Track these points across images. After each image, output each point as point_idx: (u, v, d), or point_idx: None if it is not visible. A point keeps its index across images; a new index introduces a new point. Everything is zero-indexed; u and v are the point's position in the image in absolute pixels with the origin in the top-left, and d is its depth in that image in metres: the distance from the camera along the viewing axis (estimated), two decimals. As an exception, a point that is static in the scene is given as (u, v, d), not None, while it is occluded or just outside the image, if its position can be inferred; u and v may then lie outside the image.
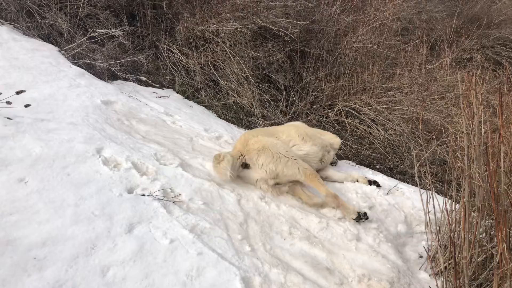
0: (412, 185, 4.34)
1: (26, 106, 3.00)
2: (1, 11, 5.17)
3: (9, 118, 2.95)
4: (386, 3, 6.59)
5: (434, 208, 2.73)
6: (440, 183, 3.83)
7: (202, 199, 2.88)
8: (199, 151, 3.72)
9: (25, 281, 1.87)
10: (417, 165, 2.86)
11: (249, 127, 5.47)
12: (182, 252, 2.33)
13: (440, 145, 3.43)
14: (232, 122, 5.44)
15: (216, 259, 2.34)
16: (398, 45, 6.73)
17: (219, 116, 5.47)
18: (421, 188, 3.13)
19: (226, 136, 4.28)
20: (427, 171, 2.75)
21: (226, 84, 5.78)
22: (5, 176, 2.44)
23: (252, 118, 5.66)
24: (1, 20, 4.94)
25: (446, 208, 2.56)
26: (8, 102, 2.87)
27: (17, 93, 2.93)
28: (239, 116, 5.68)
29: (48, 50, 4.72)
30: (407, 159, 5.01)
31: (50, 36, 5.38)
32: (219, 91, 5.87)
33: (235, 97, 5.74)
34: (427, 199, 2.74)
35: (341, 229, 2.99)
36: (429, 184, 2.71)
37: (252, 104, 5.65)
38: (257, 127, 5.48)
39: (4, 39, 4.37)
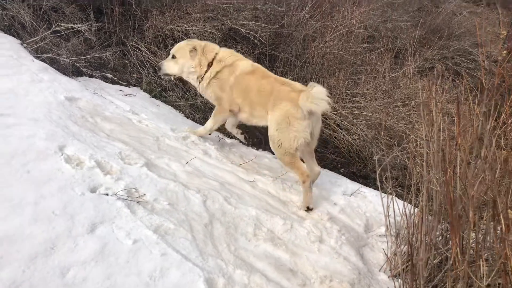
0: (374, 189, 4.47)
1: (-15, 100, 2.89)
2: (-41, 0, 4.95)
3: (-35, 112, 2.84)
4: (353, 11, 6.75)
5: (394, 212, 2.83)
6: (400, 188, 3.96)
7: (167, 200, 2.86)
8: (165, 151, 3.68)
9: (-21, 282, 1.81)
10: (379, 169, 2.95)
11: (218, 129, 5.46)
12: (145, 253, 2.31)
13: (401, 151, 3.55)
14: (200, 123, 5.41)
15: (180, 260, 2.34)
16: (363, 52, 6.91)
17: (186, 116, 5.43)
18: (382, 192, 3.24)
19: (193, 136, 4.26)
20: (388, 176, 2.84)
21: (194, 84, 5.74)
22: (-40, 172, 2.35)
23: (219, 119, 5.65)
24: (-42, 10, 4.73)
25: (405, 212, 2.66)
26: (-35, 96, 2.75)
27: (-25, 86, 2.82)
28: (207, 117, 5.65)
29: (8, 43, 4.56)
30: (370, 164, 5.15)
31: (11, 28, 5.18)
32: (187, 91, 5.83)
33: (203, 97, 5.72)
34: (387, 203, 2.84)
35: (304, 231, 3.05)
36: (390, 189, 2.80)
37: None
38: (223, 128, 5.48)
39: (-38, 29, 4.19)
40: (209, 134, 4.36)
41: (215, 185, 3.33)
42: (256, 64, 4.15)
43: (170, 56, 4.11)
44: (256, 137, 5.55)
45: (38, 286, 1.91)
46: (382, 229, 3.47)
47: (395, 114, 5.50)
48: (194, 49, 4.02)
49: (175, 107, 5.52)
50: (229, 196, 3.21)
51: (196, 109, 5.72)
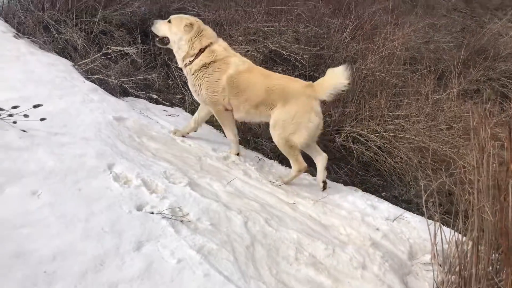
0: (418, 214, 4.34)
1: (42, 119, 3.06)
2: (20, 25, 5.30)
3: (24, 131, 3.00)
4: (395, 33, 6.70)
5: (442, 239, 2.74)
6: (446, 215, 3.83)
7: (209, 220, 2.89)
8: (207, 171, 3.75)
9: (35, 295, 1.89)
10: (425, 195, 2.87)
11: (256, 148, 5.50)
12: (189, 273, 2.34)
13: (448, 177, 3.45)
14: (239, 143, 5.48)
15: (222, 281, 2.35)
16: (405, 74, 6.80)
17: (226, 136, 5.51)
18: (428, 218, 3.14)
19: (234, 157, 4.31)
20: (436, 202, 2.76)
21: (235, 105, 5.84)
22: (19, 188, 2.47)
23: (259, 139, 5.70)
24: (19, 34, 5.06)
25: (455, 241, 2.56)
26: (26, 115, 2.92)
27: (34, 106, 2.99)
28: (247, 137, 5.72)
29: (63, 65, 4.81)
30: (413, 188, 5.02)
31: (65, 50, 5.49)
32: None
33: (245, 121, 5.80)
34: (434, 231, 2.75)
35: (347, 257, 2.99)
36: (437, 216, 2.72)
37: (260, 125, 5.69)
38: (264, 148, 5.51)
39: (22, 53, 4.46)
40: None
41: (256, 207, 3.34)
42: (245, 59, 4.19)
43: (167, 20, 4.13)
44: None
45: (88, 302, 1.96)
46: (427, 257, 3.36)
47: (439, 137, 5.36)
48: (190, 25, 3.98)
49: (216, 127, 5.61)
50: (270, 218, 3.21)
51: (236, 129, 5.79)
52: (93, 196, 2.66)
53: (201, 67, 3.98)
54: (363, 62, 6.19)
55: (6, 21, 5.30)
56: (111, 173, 2.96)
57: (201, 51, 3.97)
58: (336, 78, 3.87)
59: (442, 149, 5.19)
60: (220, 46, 4.03)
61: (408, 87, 6.49)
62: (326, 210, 3.69)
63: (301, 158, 4.04)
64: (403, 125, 5.56)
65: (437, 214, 2.81)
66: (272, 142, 5.57)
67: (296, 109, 3.86)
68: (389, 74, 6.21)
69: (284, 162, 5.25)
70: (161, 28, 4.17)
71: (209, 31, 4.10)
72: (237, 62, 4.00)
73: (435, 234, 2.75)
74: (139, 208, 2.73)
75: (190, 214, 2.88)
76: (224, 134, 4.55)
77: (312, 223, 3.41)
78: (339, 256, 2.97)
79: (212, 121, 5.65)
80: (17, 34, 5.04)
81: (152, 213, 2.73)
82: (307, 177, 4.55)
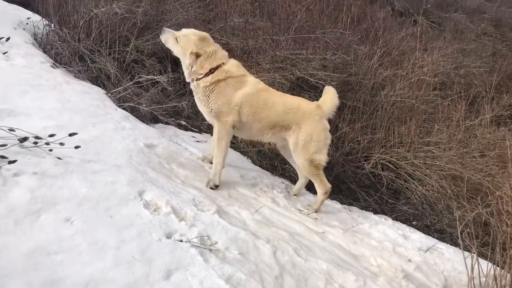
0: (451, 245, 4.19)
1: (76, 147, 3.15)
2: (57, 55, 5.53)
3: (59, 158, 3.09)
4: (424, 58, 6.64)
5: (479, 273, 2.62)
6: (482, 246, 3.69)
7: (238, 249, 2.88)
8: (235, 198, 3.75)
9: (67, 323, 1.90)
10: (461, 227, 2.78)
11: (283, 175, 5.48)
12: (218, 303, 2.32)
13: (484, 207, 3.33)
14: (267, 169, 5.47)
15: (251, 312, 2.31)
16: (435, 100, 6.70)
17: (254, 162, 5.51)
18: (464, 250, 3.03)
19: (262, 184, 4.31)
20: (472, 233, 2.66)
21: (262, 131, 5.86)
22: (53, 215, 2.53)
23: (287, 166, 5.68)
24: (56, 64, 5.28)
25: (493, 274, 2.45)
26: (61, 144, 3.01)
27: (70, 135, 3.09)
28: (274, 164, 5.71)
29: (96, 93, 4.97)
30: (446, 218, 4.87)
31: (98, 79, 5.68)
32: (255, 137, 5.95)
33: (270, 144, 5.80)
34: (471, 263, 2.64)
35: (378, 289, 2.91)
36: (474, 248, 2.62)
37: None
38: (291, 175, 5.49)
39: (58, 82, 4.64)
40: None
41: (284, 235, 3.30)
42: (259, 79, 4.20)
43: (176, 34, 3.90)
44: (324, 186, 5.48)
45: (118, 331, 1.96)
46: (463, 291, 3.23)
47: (472, 165, 5.21)
48: (196, 55, 3.80)
49: (243, 153, 5.64)
50: (299, 247, 3.17)
51: (263, 155, 5.80)
52: (124, 223, 2.69)
53: (212, 84, 3.87)
54: (392, 88, 6.15)
55: (45, 52, 5.55)
56: (141, 200, 2.99)
57: (212, 71, 3.86)
58: (336, 98, 4.16)
59: (476, 177, 5.04)
60: (233, 66, 3.94)
61: (438, 113, 6.39)
62: (356, 240, 3.61)
63: (325, 179, 4.16)
64: (434, 152, 5.45)
65: (473, 245, 2.71)
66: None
67: (313, 128, 3.98)
68: (419, 100, 6.13)
69: (312, 189, 5.22)
70: (168, 41, 4.01)
71: (219, 52, 3.96)
72: (254, 81, 4.01)
73: (472, 267, 2.64)
74: (168, 236, 2.74)
75: (219, 242, 2.87)
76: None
77: (341, 253, 3.34)
78: (370, 289, 2.89)
79: (239, 147, 5.70)
80: (54, 64, 5.26)
81: (181, 241, 2.74)
82: (336, 205, 4.48)
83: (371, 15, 8.85)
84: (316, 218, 3.86)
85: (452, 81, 7.89)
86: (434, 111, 6.44)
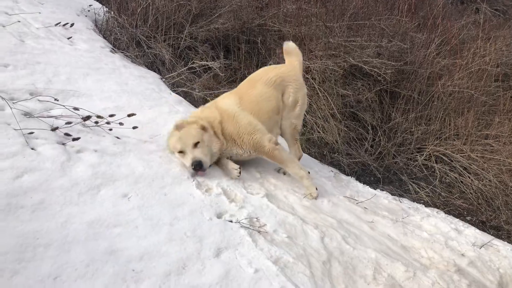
0: (509, 242, 4.00)
1: (134, 128, 3.29)
2: (116, 41, 5.76)
3: (118, 138, 3.24)
4: (486, 47, 6.30)
5: (540, 272, 2.49)
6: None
7: (286, 232, 2.90)
8: (283, 183, 3.76)
9: (124, 291, 2.01)
10: (521, 222, 2.64)
11: (332, 163, 5.44)
12: (265, 283, 2.35)
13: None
14: (315, 157, 5.45)
15: (298, 295, 2.33)
16: (497, 91, 6.35)
17: (302, 150, 5.50)
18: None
19: (310, 171, 4.29)
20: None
21: (312, 119, 5.84)
22: (112, 190, 2.67)
23: (336, 155, 5.63)
24: (115, 49, 5.50)
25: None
26: (121, 123, 3.16)
27: (129, 115, 3.23)
28: (323, 152, 5.68)
29: (152, 78, 5.14)
30: (503, 214, 4.64)
31: (154, 64, 5.87)
32: (304, 126, 5.93)
33: (320, 132, 5.77)
34: (531, 261, 2.51)
35: (429, 281, 2.83)
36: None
37: (337, 141, 5.63)
38: (340, 164, 5.43)
39: (117, 66, 4.84)
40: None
41: (333, 222, 3.29)
42: (223, 98, 3.81)
43: (188, 146, 3.19)
44: (374, 176, 5.39)
45: (170, 302, 2.05)
46: (520, 290, 3.08)
47: (535, 160, 4.92)
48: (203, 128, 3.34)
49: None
50: (347, 235, 3.14)
51: (312, 143, 5.78)
52: (177, 202, 2.79)
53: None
54: (449, 78, 5.90)
55: (105, 37, 5.80)
56: (194, 181, 3.08)
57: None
58: (301, 56, 4.18)
59: (539, 174, 4.75)
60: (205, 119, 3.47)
61: (499, 105, 6.05)
62: (407, 231, 3.53)
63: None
64: (493, 146, 5.19)
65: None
66: (349, 158, 5.50)
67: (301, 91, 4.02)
68: (478, 91, 5.85)
69: (361, 179, 5.15)
70: (205, 157, 3.23)
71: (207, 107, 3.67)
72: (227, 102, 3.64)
73: (531, 265, 2.51)
74: (219, 216, 2.82)
75: (267, 225, 2.91)
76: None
77: (391, 243, 3.28)
78: (420, 280, 2.82)
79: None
80: (113, 49, 5.49)
81: (231, 221, 2.80)
82: (386, 195, 4.39)
83: (430, 2, 8.47)
84: (365, 208, 3.81)
85: (517, 72, 7.43)
86: (495, 103, 6.11)
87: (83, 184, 2.61)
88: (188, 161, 3.15)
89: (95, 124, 3.22)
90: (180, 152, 3.20)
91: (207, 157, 3.21)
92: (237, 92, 3.78)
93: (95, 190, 2.62)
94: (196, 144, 3.19)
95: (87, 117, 3.10)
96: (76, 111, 3.17)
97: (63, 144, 2.88)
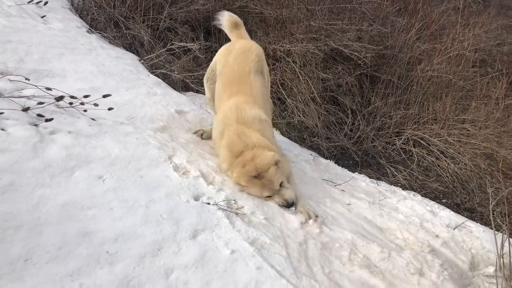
0: (481, 224, 4.10)
1: (109, 109, 3.22)
2: (92, 21, 5.61)
3: (93, 119, 3.17)
4: (465, 33, 6.36)
5: (509, 251, 2.56)
6: (513, 225, 3.59)
7: (263, 214, 2.91)
8: (263, 167, 3.75)
9: (98, 272, 1.99)
10: (492, 204, 2.70)
11: (312, 147, 5.46)
12: (242, 264, 2.36)
13: (519, 185, 3.23)
14: (295, 141, 5.46)
15: (274, 275, 2.35)
16: (474, 76, 6.45)
17: (282, 134, 5.51)
18: (495, 229, 2.96)
19: (290, 155, 4.30)
20: (505, 211, 2.59)
21: (293, 103, 5.83)
22: (87, 172, 2.62)
23: (315, 138, 5.64)
24: (91, 29, 5.36)
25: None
26: (96, 105, 3.09)
27: (104, 96, 3.16)
28: (302, 136, 5.69)
29: (130, 59, 5.04)
30: (477, 197, 4.75)
31: (132, 45, 5.75)
32: (285, 110, 5.93)
33: (300, 116, 5.77)
34: (502, 241, 2.58)
35: (403, 261, 2.88)
36: (506, 225, 2.55)
37: (316, 125, 5.65)
38: (319, 148, 5.46)
39: (94, 46, 4.72)
40: None
41: (311, 204, 3.31)
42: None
43: (276, 191, 3.07)
44: (353, 160, 5.44)
45: (145, 284, 2.04)
46: (491, 269, 3.16)
47: (509, 144, 5.03)
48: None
49: (272, 124, 5.63)
50: (324, 217, 3.17)
51: (292, 127, 5.78)
52: (154, 184, 2.76)
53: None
54: (429, 63, 5.95)
55: (81, 17, 5.64)
56: (171, 163, 3.05)
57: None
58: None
59: (513, 157, 4.87)
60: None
61: (476, 91, 6.16)
62: (383, 213, 3.58)
63: None
64: (469, 130, 5.28)
65: (505, 224, 2.64)
66: (329, 141, 5.53)
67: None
68: (456, 76, 5.92)
69: (340, 162, 5.19)
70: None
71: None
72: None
73: (502, 245, 2.58)
74: (196, 198, 2.80)
75: (245, 207, 2.90)
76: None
77: (367, 225, 3.32)
78: (395, 261, 2.87)
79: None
80: (90, 29, 5.34)
81: (209, 203, 2.78)
82: (364, 178, 4.44)
83: (411, -13, 8.49)
84: (343, 190, 3.84)
85: (494, 58, 7.55)
86: (472, 88, 6.21)
87: (56, 166, 2.56)
88: (278, 202, 3.06)
89: (69, 105, 3.14)
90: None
91: (293, 192, 3.11)
92: (246, 96, 3.42)
93: (69, 172, 2.57)
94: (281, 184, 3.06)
95: (60, 98, 3.02)
96: (49, 92, 3.08)
97: (36, 125, 2.81)
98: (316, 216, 3.03)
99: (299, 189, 3.38)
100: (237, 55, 3.67)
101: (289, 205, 3.05)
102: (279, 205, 3.05)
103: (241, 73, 3.55)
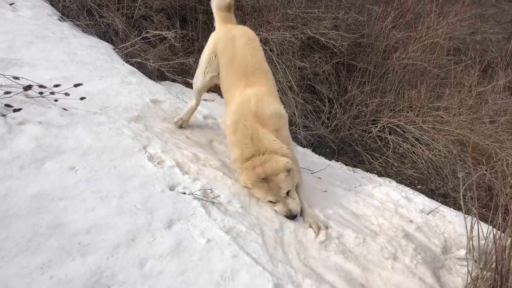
0: (454, 209, 4.20)
1: (82, 98, 3.15)
2: (64, 9, 5.46)
3: (65, 109, 3.10)
4: (439, 21, 6.45)
5: (478, 234, 2.64)
6: (485, 209, 3.69)
7: (240, 203, 2.91)
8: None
9: (70, 264, 1.96)
10: (463, 188, 2.77)
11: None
12: (217, 253, 2.36)
13: (488, 170, 3.31)
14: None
15: (250, 263, 2.36)
16: (448, 64, 6.56)
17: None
18: (466, 213, 3.03)
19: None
20: (474, 195, 2.65)
21: (270, 92, 5.81)
22: (58, 163, 2.56)
23: (293, 127, 5.66)
24: (63, 17, 5.22)
25: (494, 236, 2.46)
26: (67, 94, 3.02)
27: (75, 85, 3.08)
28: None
29: (104, 48, 4.93)
30: (451, 182, 4.86)
31: (106, 34, 5.62)
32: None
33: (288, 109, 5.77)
34: (471, 224, 2.65)
35: (378, 247, 2.93)
36: (475, 209, 2.62)
37: (294, 114, 5.66)
38: (297, 137, 5.48)
39: (65, 35, 4.60)
40: None
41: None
42: None
43: (281, 197, 2.99)
44: (330, 148, 5.49)
45: (119, 274, 2.02)
46: (462, 252, 3.24)
47: (481, 131, 5.14)
48: None
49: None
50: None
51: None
52: (128, 174, 2.72)
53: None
54: (404, 51, 6.01)
55: (52, 5, 5.48)
56: (145, 153, 3.01)
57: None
58: None
59: (484, 143, 4.98)
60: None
61: (450, 78, 6.27)
62: (358, 200, 3.62)
63: None
64: (443, 117, 5.39)
65: (475, 208, 2.71)
66: (306, 130, 5.55)
67: None
68: (431, 64, 6.01)
69: (317, 150, 5.22)
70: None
71: None
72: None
73: (471, 228, 2.65)
74: (171, 188, 2.77)
75: (221, 196, 2.90)
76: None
77: (343, 211, 3.36)
78: (369, 246, 2.92)
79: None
80: (62, 17, 5.20)
81: (184, 193, 2.77)
82: (340, 166, 4.49)
83: (387, -25, 8.53)
84: (319, 178, 3.87)
85: (467, 46, 7.68)
86: (446, 76, 6.31)
87: (25, 157, 2.49)
88: (281, 211, 2.95)
89: (39, 95, 3.06)
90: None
91: (299, 205, 3.01)
92: (265, 87, 3.28)
93: (39, 163, 2.51)
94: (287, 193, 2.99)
95: (28, 87, 2.93)
96: (17, 81, 2.99)
97: (3, 115, 2.73)
98: (326, 228, 2.96)
99: (310, 198, 3.30)
100: (245, 42, 3.46)
101: (292, 216, 2.93)
102: (281, 215, 2.95)
103: (255, 61, 3.39)
